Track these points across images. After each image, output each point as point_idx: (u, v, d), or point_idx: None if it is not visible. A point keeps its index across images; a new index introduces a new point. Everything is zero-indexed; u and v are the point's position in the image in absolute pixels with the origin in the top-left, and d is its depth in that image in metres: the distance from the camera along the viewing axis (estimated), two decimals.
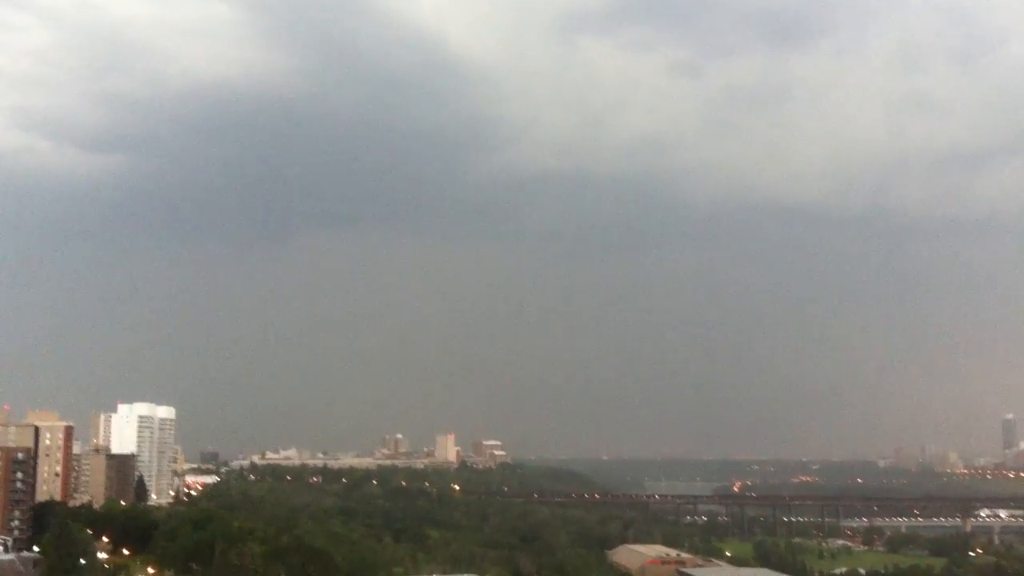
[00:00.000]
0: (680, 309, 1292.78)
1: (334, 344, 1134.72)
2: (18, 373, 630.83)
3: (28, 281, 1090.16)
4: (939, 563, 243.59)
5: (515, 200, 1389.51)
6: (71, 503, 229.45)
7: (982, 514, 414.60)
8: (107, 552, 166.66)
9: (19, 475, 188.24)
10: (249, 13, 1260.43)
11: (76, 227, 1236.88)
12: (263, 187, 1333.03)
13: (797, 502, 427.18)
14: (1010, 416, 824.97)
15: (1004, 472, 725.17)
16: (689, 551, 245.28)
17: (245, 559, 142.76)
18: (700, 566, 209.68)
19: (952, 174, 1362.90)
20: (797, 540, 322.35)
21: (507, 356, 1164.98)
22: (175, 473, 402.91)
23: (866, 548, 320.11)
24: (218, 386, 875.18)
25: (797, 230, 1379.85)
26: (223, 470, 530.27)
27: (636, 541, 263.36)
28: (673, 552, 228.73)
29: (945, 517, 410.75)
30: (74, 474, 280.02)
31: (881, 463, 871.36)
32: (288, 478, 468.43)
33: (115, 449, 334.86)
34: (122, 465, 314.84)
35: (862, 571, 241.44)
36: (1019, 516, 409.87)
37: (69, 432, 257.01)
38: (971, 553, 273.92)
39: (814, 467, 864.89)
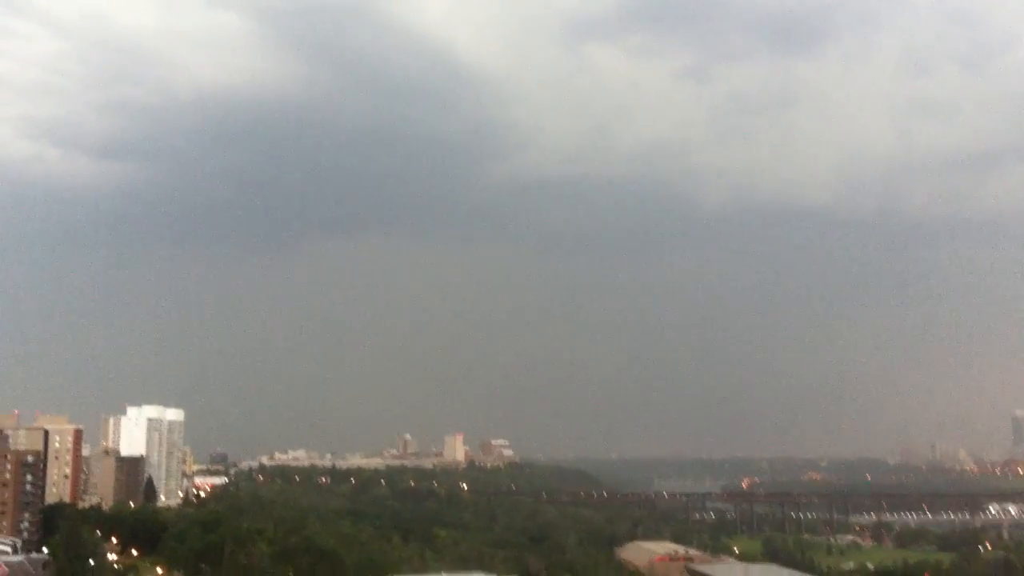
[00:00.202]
0: (688, 310, 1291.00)
1: (342, 345, 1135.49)
2: (28, 377, 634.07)
3: (37, 287, 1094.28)
4: (948, 558, 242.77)
5: (522, 205, 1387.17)
6: (80, 505, 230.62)
7: (991, 510, 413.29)
8: (116, 554, 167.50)
9: (29, 478, 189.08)
10: (257, 22, 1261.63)
11: (85, 234, 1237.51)
12: (271, 193, 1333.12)
13: (805, 499, 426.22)
14: (1020, 413, 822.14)
15: (1014, 467, 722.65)
16: (698, 548, 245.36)
17: (254, 560, 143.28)
18: (709, 563, 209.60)
19: (959, 177, 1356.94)
20: (806, 536, 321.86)
21: (514, 356, 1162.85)
22: (184, 475, 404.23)
23: (875, 544, 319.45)
24: (226, 388, 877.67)
25: (804, 233, 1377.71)
26: (232, 471, 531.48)
27: (645, 539, 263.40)
28: (682, 550, 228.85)
29: (954, 513, 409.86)
30: (83, 476, 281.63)
31: (890, 460, 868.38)
32: (297, 479, 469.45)
33: (124, 451, 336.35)
34: (131, 467, 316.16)
35: (871, 566, 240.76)
36: None
37: (78, 435, 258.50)
38: (980, 548, 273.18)
39: (823, 464, 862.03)
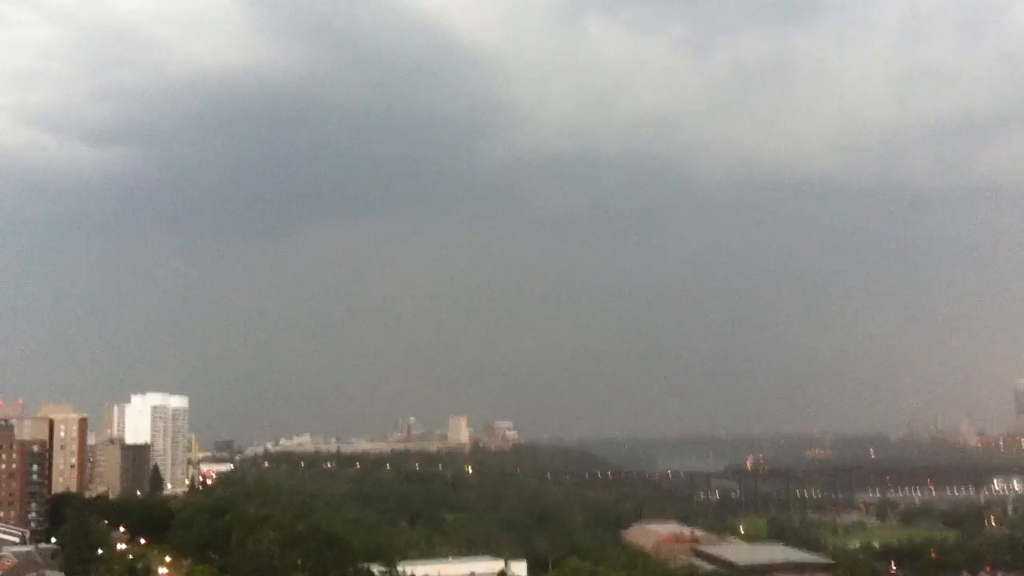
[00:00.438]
0: (689, 285, 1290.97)
1: (345, 330, 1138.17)
2: (31, 367, 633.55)
3: (38, 275, 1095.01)
4: (953, 535, 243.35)
5: (523, 183, 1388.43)
6: (87, 494, 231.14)
7: (995, 485, 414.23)
8: (124, 542, 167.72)
9: (35, 468, 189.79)
10: (251, 4, 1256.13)
11: (84, 220, 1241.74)
12: (271, 177, 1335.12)
13: (810, 477, 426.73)
14: (1022, 384, 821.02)
15: (1017, 440, 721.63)
16: (703, 528, 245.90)
17: (262, 546, 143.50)
18: (716, 544, 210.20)
19: (959, 144, 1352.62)
20: (811, 515, 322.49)
21: (517, 337, 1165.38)
22: (190, 462, 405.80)
23: (880, 523, 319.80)
24: (231, 375, 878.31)
25: (805, 204, 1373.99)
26: (237, 458, 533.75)
27: (650, 519, 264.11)
28: (688, 530, 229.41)
29: (958, 488, 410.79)
30: (89, 465, 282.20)
31: (893, 436, 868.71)
32: (302, 464, 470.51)
33: (129, 440, 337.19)
34: (137, 455, 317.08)
35: (876, 545, 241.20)
36: None
37: (83, 424, 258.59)
38: (985, 524, 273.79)
39: (826, 441, 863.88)
